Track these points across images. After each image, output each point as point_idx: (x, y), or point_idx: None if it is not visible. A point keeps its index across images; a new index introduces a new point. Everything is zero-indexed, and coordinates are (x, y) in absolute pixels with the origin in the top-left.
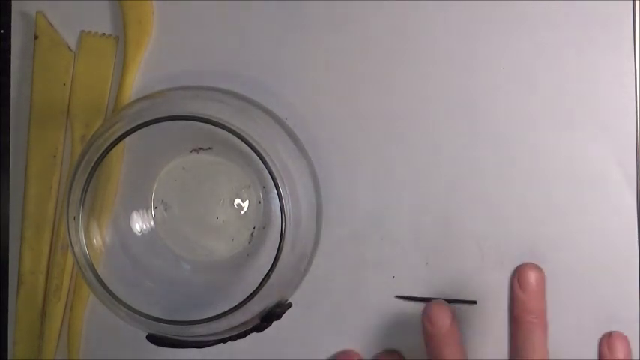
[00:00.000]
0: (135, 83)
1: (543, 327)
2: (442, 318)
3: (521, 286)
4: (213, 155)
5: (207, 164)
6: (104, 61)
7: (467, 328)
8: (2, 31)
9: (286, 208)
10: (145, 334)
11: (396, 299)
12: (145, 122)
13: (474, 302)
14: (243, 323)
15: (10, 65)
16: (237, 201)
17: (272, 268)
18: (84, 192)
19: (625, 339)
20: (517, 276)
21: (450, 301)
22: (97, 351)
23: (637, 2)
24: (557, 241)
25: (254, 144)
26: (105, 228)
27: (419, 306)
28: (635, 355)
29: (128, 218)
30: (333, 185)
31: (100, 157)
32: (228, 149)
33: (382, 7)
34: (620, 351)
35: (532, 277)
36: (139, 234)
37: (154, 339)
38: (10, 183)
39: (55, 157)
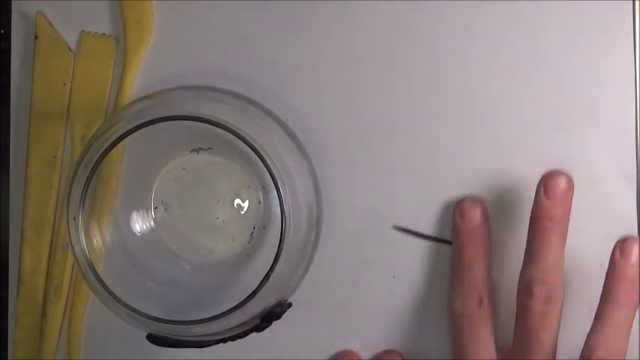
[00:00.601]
0: (135, 83)
1: (562, 235)
2: (473, 213)
3: (546, 191)
4: (213, 155)
5: (207, 164)
6: (104, 61)
7: None
8: (2, 31)
9: (286, 208)
10: (145, 334)
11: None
12: (145, 122)
13: None
14: (243, 323)
15: (10, 65)
16: (237, 201)
17: (272, 268)
18: (84, 192)
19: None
20: (543, 181)
21: None
22: (97, 351)
23: (637, 2)
24: None
25: (254, 144)
26: (105, 228)
27: (418, 306)
28: (634, 355)
29: (128, 218)
30: (333, 185)
31: (100, 157)
32: (228, 149)
33: (382, 8)
34: (633, 254)
35: (560, 183)
36: (139, 234)
37: (154, 339)
38: (10, 183)
39: (55, 157)
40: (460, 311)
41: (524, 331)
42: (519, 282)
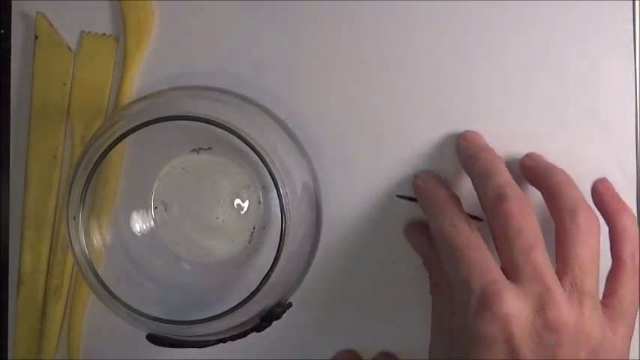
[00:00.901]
0: (135, 83)
1: (502, 162)
2: (477, 138)
3: (465, 137)
4: (213, 155)
5: (207, 164)
6: (104, 61)
7: None
8: (2, 31)
9: (286, 208)
10: (145, 334)
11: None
12: (145, 122)
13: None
14: (243, 323)
15: (10, 65)
16: (237, 201)
17: (272, 268)
18: (84, 192)
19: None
20: (459, 137)
21: None
22: (97, 351)
23: (637, 2)
24: None
25: (254, 144)
26: (105, 228)
27: (418, 307)
28: (635, 355)
29: (128, 218)
30: (333, 185)
31: (100, 157)
32: (228, 149)
33: (382, 8)
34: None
35: (472, 132)
36: (139, 234)
37: (154, 339)
38: (10, 183)
39: (55, 157)
40: (451, 230)
41: (510, 237)
42: (485, 199)
